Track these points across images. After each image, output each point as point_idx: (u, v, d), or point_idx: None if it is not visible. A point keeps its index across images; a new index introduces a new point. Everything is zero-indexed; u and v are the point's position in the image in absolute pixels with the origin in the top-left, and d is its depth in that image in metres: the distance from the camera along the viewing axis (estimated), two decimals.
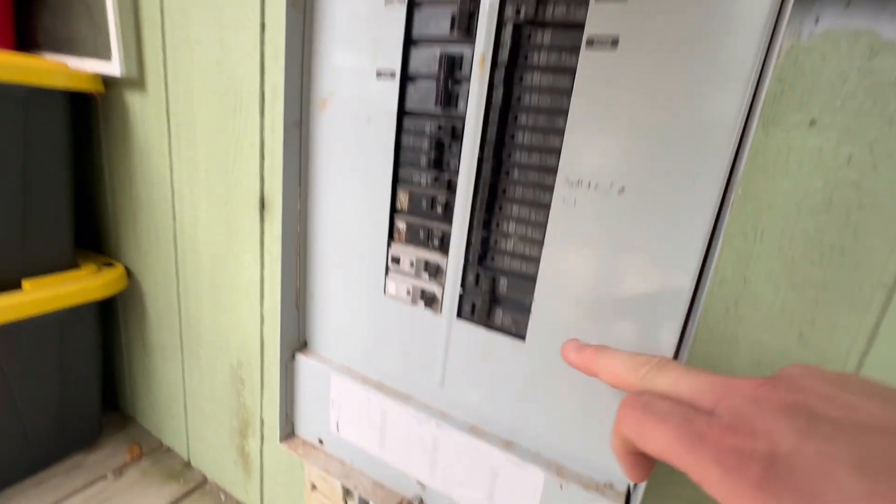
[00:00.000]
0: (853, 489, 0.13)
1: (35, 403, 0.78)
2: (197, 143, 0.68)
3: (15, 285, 0.70)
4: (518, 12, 0.31)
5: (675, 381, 0.19)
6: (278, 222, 0.43)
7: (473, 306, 0.37)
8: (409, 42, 0.36)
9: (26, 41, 0.79)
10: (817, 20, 0.32)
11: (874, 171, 0.31)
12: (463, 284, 0.37)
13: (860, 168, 0.31)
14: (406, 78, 0.37)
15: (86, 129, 0.84)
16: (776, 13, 0.25)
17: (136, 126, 0.75)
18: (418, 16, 0.35)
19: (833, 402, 0.15)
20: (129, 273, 0.86)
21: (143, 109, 0.73)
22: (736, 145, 0.26)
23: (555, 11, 0.30)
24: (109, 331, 0.96)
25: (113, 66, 0.67)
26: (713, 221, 0.27)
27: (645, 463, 0.20)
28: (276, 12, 0.56)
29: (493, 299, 0.36)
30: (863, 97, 0.31)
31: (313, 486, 0.56)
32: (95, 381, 0.88)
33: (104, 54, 0.68)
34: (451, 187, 0.36)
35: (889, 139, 0.30)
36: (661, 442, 0.17)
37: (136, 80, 0.72)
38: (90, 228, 0.92)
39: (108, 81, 0.75)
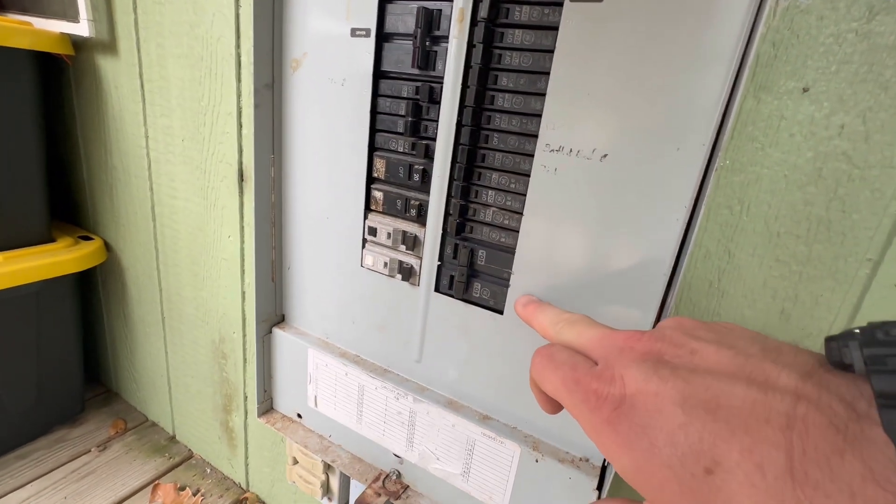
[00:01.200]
0: (673, 421, 0.16)
1: (13, 377, 0.77)
2: (172, 111, 0.65)
3: None
4: None
5: (579, 333, 0.22)
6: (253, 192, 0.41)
7: (451, 279, 0.36)
8: None
9: None
10: None
11: (866, 143, 0.30)
12: (441, 257, 0.36)
13: (852, 138, 0.30)
14: (382, 37, 0.35)
15: (57, 96, 0.80)
16: None
17: (109, 92, 0.72)
18: None
19: (680, 349, 0.18)
20: (108, 247, 0.84)
21: (115, 74, 0.70)
22: (722, 111, 0.25)
23: None
24: (91, 306, 0.95)
25: (81, 27, 0.64)
26: (696, 191, 0.26)
27: (552, 401, 0.23)
28: None
29: (472, 272, 0.35)
30: (858, 62, 0.29)
31: (295, 461, 0.56)
32: (76, 355, 0.86)
33: (72, 15, 0.64)
34: (428, 154, 0.35)
35: (883, 108, 0.29)
36: (553, 385, 0.20)
37: (108, 43, 0.68)
38: (67, 200, 0.89)
39: (78, 44, 0.72)
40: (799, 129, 0.31)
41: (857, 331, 0.15)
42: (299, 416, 0.48)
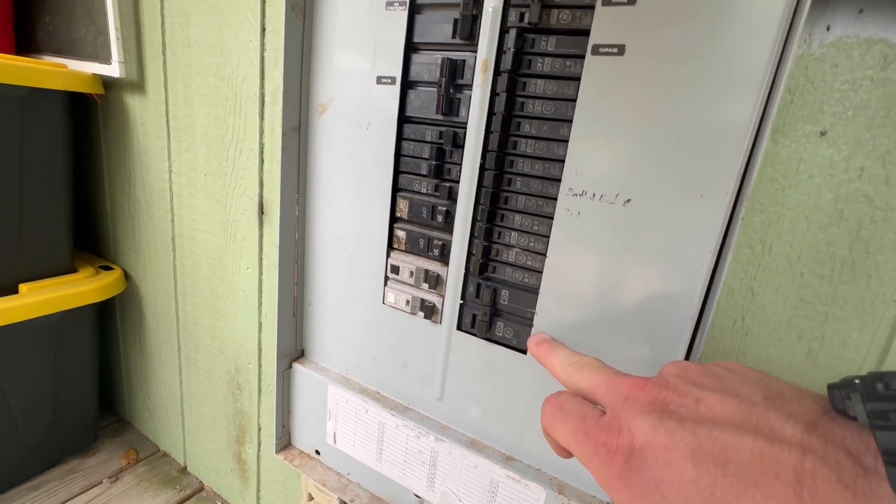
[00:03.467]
0: (684, 475, 0.16)
1: (31, 407, 0.77)
2: (196, 147, 0.67)
3: (12, 290, 0.69)
4: (522, 18, 0.30)
5: (587, 378, 0.22)
6: (277, 228, 0.42)
7: (474, 318, 0.36)
8: (410, 47, 0.35)
9: (27, 44, 0.78)
10: (829, 28, 0.31)
11: (887, 185, 0.30)
12: (463, 296, 0.37)
13: (872, 181, 0.30)
14: (406, 84, 0.36)
15: (85, 131, 0.84)
16: (789, 21, 0.24)
17: (136, 128, 0.75)
18: (420, 20, 0.35)
19: (685, 398, 0.18)
20: (126, 276, 0.86)
21: (142, 112, 0.73)
22: (747, 156, 0.25)
23: (559, 17, 0.29)
24: (107, 334, 0.95)
25: (113, 69, 0.67)
26: (722, 235, 0.27)
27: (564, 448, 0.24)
28: (276, 16, 0.55)
29: (495, 311, 0.36)
30: (875, 107, 0.30)
31: (310, 497, 0.55)
32: (92, 384, 0.87)
33: (104, 57, 0.67)
34: (452, 196, 0.35)
35: None
36: (563, 436, 0.20)
37: (136, 83, 0.71)
38: (88, 230, 0.91)
39: (107, 83, 0.75)
40: (818, 171, 0.32)
41: (858, 382, 0.15)
42: (317, 452, 0.48)
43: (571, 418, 0.20)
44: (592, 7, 0.28)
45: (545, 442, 0.36)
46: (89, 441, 0.91)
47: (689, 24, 0.25)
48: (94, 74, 0.70)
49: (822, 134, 0.31)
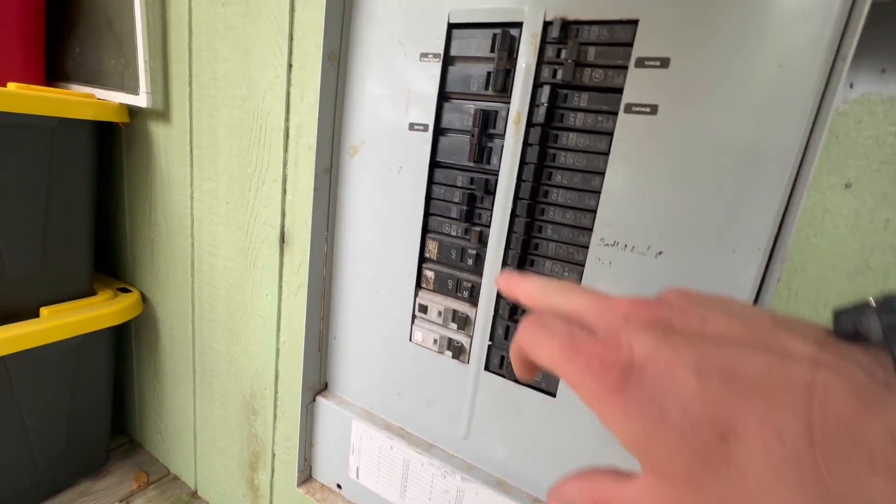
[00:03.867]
0: (687, 388, 0.15)
1: (46, 430, 0.77)
2: (219, 175, 0.69)
3: (33, 313, 0.70)
4: (555, 74, 0.31)
5: (572, 299, 0.21)
6: (301, 261, 0.43)
7: (502, 359, 0.37)
8: (442, 96, 0.36)
9: (56, 72, 0.81)
10: (852, 85, 0.32)
11: None
12: (492, 337, 0.37)
13: None
14: (438, 131, 0.37)
15: (108, 156, 0.85)
16: (824, 82, 0.25)
17: (159, 155, 0.76)
18: (452, 71, 0.36)
19: (689, 317, 0.17)
20: (143, 298, 0.86)
21: (166, 140, 0.75)
22: (779, 219, 0.26)
23: (592, 76, 0.30)
24: (121, 355, 0.96)
25: (140, 99, 0.69)
26: (756, 292, 0.27)
27: (533, 368, 0.23)
28: (302, 54, 0.57)
29: None
30: None
31: None
32: (106, 407, 0.87)
33: (132, 87, 0.69)
34: (482, 240, 0.36)
35: None
36: (548, 354, 0.19)
37: (161, 112, 0.73)
38: (107, 252, 0.92)
39: (133, 111, 0.77)
40: (843, 221, 0.33)
41: (873, 301, 0.15)
42: (339, 486, 0.48)
43: (559, 336, 0.19)
44: (625, 68, 0.29)
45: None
46: (100, 463, 0.91)
47: (722, 87, 0.27)
48: (121, 104, 0.72)
49: (847, 186, 0.32)
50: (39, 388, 0.74)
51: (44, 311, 0.71)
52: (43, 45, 0.79)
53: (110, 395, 0.87)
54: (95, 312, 0.75)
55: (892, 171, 0.31)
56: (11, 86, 0.62)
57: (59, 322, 0.71)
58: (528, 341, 0.20)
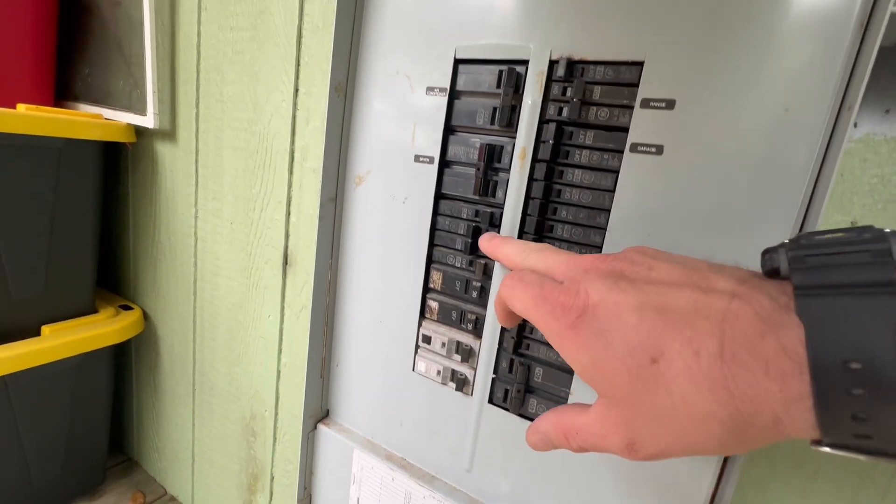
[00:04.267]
0: (628, 322, 0.18)
1: (44, 450, 0.77)
2: (223, 196, 0.69)
3: (34, 331, 0.70)
4: (560, 112, 0.32)
5: (545, 259, 0.24)
6: (304, 283, 0.43)
7: (506, 392, 0.36)
8: (448, 129, 0.37)
9: (65, 92, 0.82)
10: (856, 125, 0.32)
11: None
12: (496, 370, 0.37)
13: None
14: (444, 163, 0.37)
15: (114, 174, 0.86)
16: (832, 123, 0.25)
17: (164, 174, 0.77)
18: (458, 105, 0.36)
19: (639, 267, 0.20)
20: (145, 316, 0.86)
21: (172, 159, 0.75)
22: None
23: (598, 114, 0.31)
24: (121, 372, 0.95)
25: (148, 120, 0.70)
26: None
27: (513, 317, 0.27)
28: (309, 78, 0.58)
29: (528, 388, 0.36)
30: None
31: None
32: (105, 426, 0.86)
33: (139, 108, 0.70)
34: (486, 272, 0.36)
35: None
36: (522, 303, 0.22)
37: (168, 132, 0.74)
38: (109, 268, 0.92)
39: (140, 131, 0.78)
40: None
41: (787, 241, 0.17)
42: None
43: (532, 287, 0.22)
44: (631, 108, 0.29)
45: None
46: (97, 482, 0.89)
47: (728, 128, 0.27)
48: (128, 124, 0.73)
49: (853, 224, 0.32)
50: (39, 407, 0.73)
51: (45, 329, 0.71)
52: (53, 65, 0.80)
53: (109, 414, 0.87)
54: (97, 331, 0.75)
55: None
56: (21, 107, 0.63)
57: (60, 341, 0.71)
58: (507, 293, 0.24)
